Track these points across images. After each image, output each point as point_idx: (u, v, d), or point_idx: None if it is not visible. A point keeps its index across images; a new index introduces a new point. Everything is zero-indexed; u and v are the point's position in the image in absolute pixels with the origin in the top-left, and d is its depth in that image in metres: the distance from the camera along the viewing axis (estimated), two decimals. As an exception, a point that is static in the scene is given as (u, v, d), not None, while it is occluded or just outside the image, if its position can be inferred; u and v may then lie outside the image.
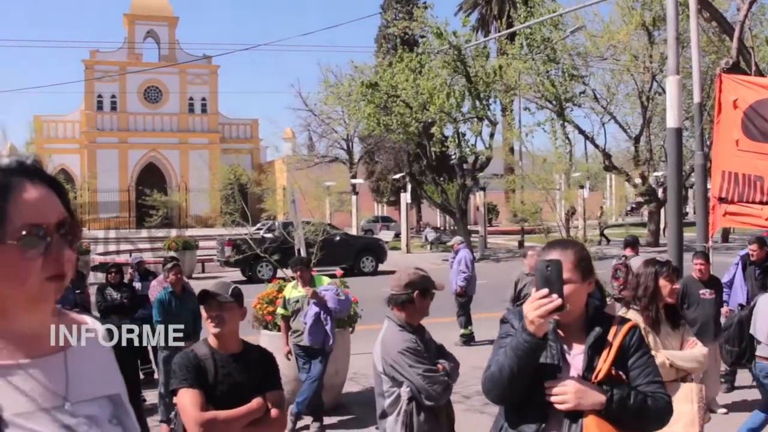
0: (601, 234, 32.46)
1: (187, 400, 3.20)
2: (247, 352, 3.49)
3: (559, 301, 2.31)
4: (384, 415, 3.92)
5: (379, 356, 3.91)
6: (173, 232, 29.56)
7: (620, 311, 4.48)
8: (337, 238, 21.53)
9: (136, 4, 54.17)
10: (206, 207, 49.96)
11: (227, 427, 3.21)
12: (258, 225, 22.84)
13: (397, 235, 36.39)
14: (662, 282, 4.33)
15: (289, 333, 7.56)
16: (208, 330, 3.40)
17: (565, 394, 2.38)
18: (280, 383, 3.51)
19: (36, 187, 1.34)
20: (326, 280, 7.87)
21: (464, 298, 11.84)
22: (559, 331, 2.55)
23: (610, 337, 2.49)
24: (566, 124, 25.23)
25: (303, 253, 9.91)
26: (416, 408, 3.79)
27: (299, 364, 7.53)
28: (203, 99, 55.45)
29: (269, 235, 20.38)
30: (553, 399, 2.39)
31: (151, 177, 48.88)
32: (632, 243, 10.43)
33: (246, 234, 16.72)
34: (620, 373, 2.46)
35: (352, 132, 42.24)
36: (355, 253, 23.50)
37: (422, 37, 27.64)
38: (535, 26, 23.72)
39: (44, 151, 47.77)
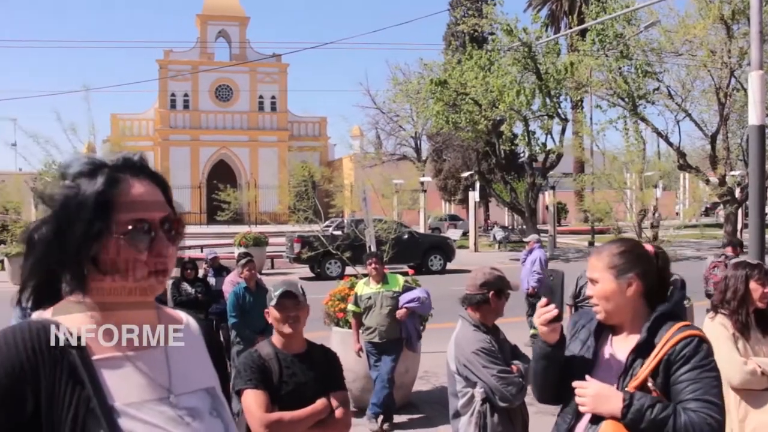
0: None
1: (252, 400, 3.19)
2: (311, 351, 3.46)
3: (554, 312, 2.44)
4: (457, 415, 3.90)
5: (453, 356, 3.89)
6: (243, 229, 30.00)
7: (708, 315, 4.30)
8: (406, 236, 21.53)
9: (209, 5, 55.18)
10: (275, 204, 50.83)
11: (293, 427, 3.19)
12: (327, 222, 23.02)
13: (465, 234, 36.20)
14: (753, 285, 4.09)
15: (361, 330, 7.56)
16: (281, 330, 3.37)
17: (584, 396, 2.36)
18: (344, 383, 3.48)
19: (142, 183, 1.38)
20: (401, 279, 7.85)
21: (536, 298, 11.69)
22: (612, 334, 2.51)
23: (660, 345, 2.32)
24: (639, 121, 24.64)
25: (374, 251, 9.93)
26: (490, 409, 3.76)
27: (370, 362, 7.53)
28: (273, 97, 56.14)
29: (338, 233, 20.52)
30: (576, 399, 2.40)
31: (222, 174, 49.73)
32: (735, 244, 10.03)
33: (315, 231, 16.87)
34: (651, 385, 2.29)
35: (420, 130, 42.24)
36: (423, 252, 23.45)
37: (491, 34, 27.37)
38: (607, 22, 23.23)
39: (120, 148, 48.88)
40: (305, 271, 22.84)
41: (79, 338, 1.29)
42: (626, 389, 2.30)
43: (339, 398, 3.34)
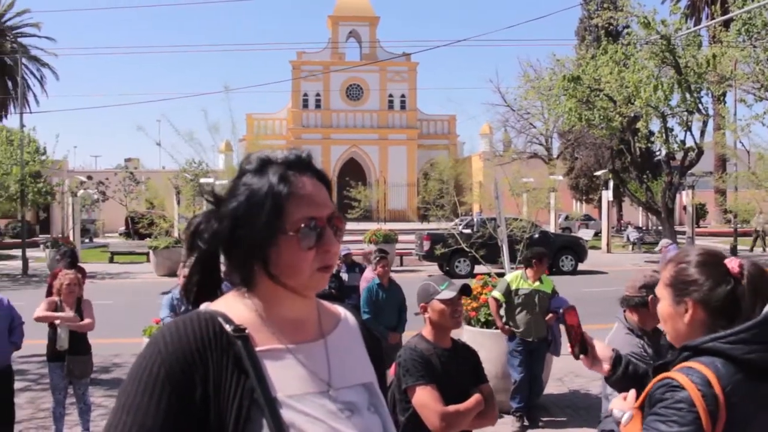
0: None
1: (427, 396, 3.24)
2: (456, 346, 3.54)
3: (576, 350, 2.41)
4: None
5: None
6: (372, 226, 30.39)
7: None
8: (536, 235, 21.20)
9: (340, 6, 56.28)
10: (404, 201, 51.36)
11: (464, 419, 3.27)
12: (456, 220, 22.98)
13: (597, 234, 35.26)
14: None
15: (509, 325, 7.50)
16: (446, 325, 3.42)
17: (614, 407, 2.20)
18: (486, 377, 3.57)
19: (310, 180, 1.40)
20: (550, 280, 7.76)
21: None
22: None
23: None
24: (789, 116, 23.17)
25: (505, 250, 9.83)
26: (643, 414, 3.65)
27: (515, 362, 7.45)
28: (402, 96, 56.63)
29: (467, 231, 20.45)
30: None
31: (352, 172, 50.63)
32: None
33: (445, 229, 16.87)
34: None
35: (551, 127, 41.43)
36: (554, 252, 22.99)
37: (627, 27, 26.49)
38: (755, 11, 21.96)
39: (255, 147, 50.70)
40: (434, 268, 22.88)
41: (243, 329, 1.32)
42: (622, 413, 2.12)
43: (486, 391, 3.43)
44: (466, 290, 3.41)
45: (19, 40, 46.35)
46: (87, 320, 7.00)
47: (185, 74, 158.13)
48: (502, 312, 7.59)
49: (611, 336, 3.89)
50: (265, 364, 1.32)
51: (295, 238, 1.34)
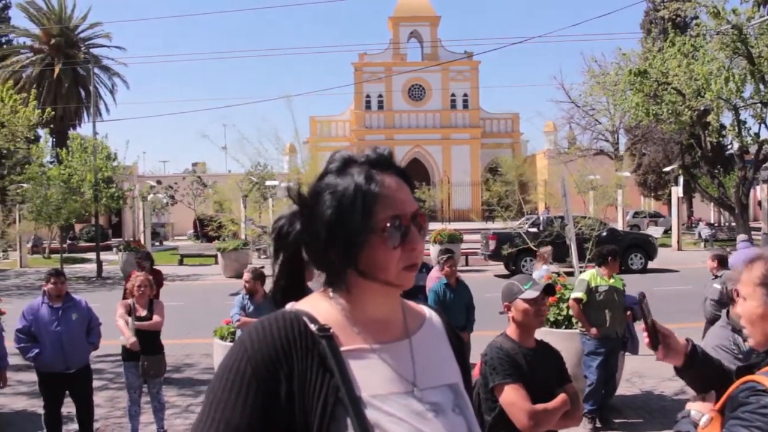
0: None
1: (516, 394, 3.26)
2: (540, 346, 3.54)
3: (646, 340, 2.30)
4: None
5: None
6: (437, 226, 30.33)
7: None
8: (604, 233, 20.85)
9: (401, 6, 56.30)
10: (467, 201, 51.13)
11: (552, 417, 3.28)
12: (521, 219, 22.77)
13: (667, 231, 34.47)
14: None
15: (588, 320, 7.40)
16: (530, 324, 3.44)
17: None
18: (570, 377, 3.57)
19: (393, 178, 1.39)
20: (620, 278, 7.63)
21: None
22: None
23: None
24: None
25: (574, 249, 9.68)
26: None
27: (592, 363, 7.32)
28: (465, 95, 56.36)
29: (533, 230, 20.22)
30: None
31: (415, 172, 50.60)
32: None
33: (511, 228, 16.71)
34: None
35: (617, 123, 40.72)
36: (623, 250, 22.53)
37: (695, 18, 25.80)
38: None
39: (318, 149, 51.19)
40: (499, 268, 22.72)
41: (328, 329, 1.33)
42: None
43: (571, 390, 3.43)
44: (549, 290, 3.46)
45: (91, 50, 47.76)
46: (155, 319, 7.16)
47: (249, 79, 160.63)
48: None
49: (713, 328, 3.96)
50: (349, 363, 1.33)
51: (382, 237, 1.33)
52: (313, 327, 1.33)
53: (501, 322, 3.81)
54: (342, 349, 1.33)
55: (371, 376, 1.34)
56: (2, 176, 26.81)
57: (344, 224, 1.33)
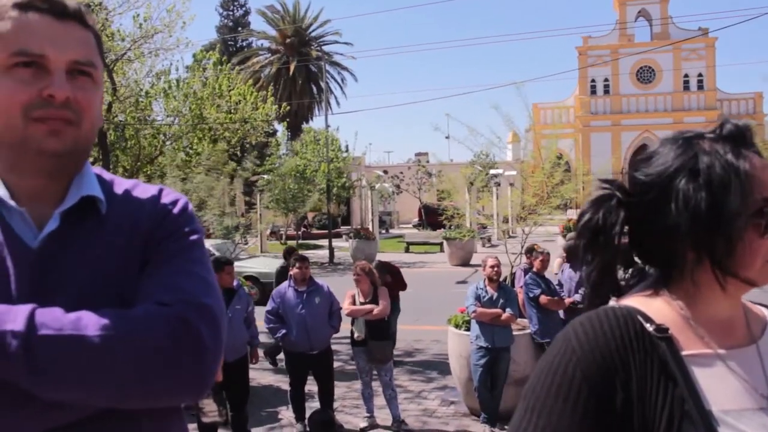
0: None
1: None
2: None
3: None
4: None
5: None
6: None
7: None
8: None
9: (629, -16, 53.91)
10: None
11: None
12: None
13: None
14: None
15: None
16: None
17: None
18: None
19: (755, 156, 1.20)
20: None
21: None
22: None
23: None
24: None
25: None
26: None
27: None
28: (699, 75, 52.88)
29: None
30: None
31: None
32: None
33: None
34: None
35: None
36: None
37: None
38: None
39: (541, 137, 50.32)
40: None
41: (667, 330, 1.16)
42: None
43: None
44: None
45: (323, 47, 50.45)
46: (374, 308, 7.33)
47: (473, 68, 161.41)
48: None
49: None
50: (693, 371, 1.14)
51: (755, 223, 1.14)
52: (649, 327, 1.16)
53: None
54: (683, 353, 1.15)
55: (720, 387, 1.14)
56: (254, 170, 28.99)
57: (717, 210, 1.14)
